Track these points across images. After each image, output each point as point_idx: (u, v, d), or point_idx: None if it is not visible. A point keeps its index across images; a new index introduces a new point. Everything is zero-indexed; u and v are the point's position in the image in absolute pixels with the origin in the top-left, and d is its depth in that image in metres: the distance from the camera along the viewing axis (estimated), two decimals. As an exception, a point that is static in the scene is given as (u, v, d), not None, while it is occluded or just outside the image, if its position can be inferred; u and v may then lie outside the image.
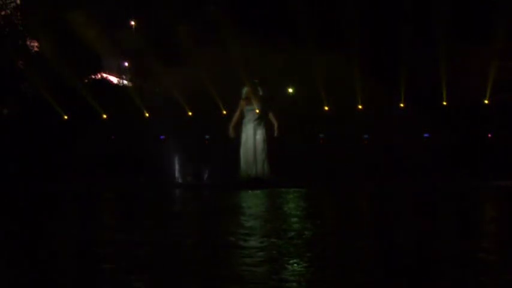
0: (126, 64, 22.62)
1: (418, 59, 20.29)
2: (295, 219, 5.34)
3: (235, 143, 10.94)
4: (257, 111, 10.87)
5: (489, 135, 16.53)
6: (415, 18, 19.22)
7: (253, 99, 10.82)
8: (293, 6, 17.12)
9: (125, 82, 21.65)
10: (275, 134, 10.82)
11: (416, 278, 2.87)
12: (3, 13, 17.98)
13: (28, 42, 18.19)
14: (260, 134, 10.66)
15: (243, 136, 10.75)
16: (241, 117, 10.85)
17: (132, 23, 22.71)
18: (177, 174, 11.36)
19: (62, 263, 3.48)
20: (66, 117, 16.36)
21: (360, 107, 17.02)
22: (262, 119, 10.78)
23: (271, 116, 10.73)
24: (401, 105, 17.35)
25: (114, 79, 21.54)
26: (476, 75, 19.67)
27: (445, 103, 17.98)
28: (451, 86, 19.72)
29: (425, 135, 16.81)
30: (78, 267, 3.35)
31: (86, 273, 3.16)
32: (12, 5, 18.22)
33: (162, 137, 18.13)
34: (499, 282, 2.82)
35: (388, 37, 18.77)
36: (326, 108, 17.02)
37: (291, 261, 3.26)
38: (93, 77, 19.71)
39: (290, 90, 20.12)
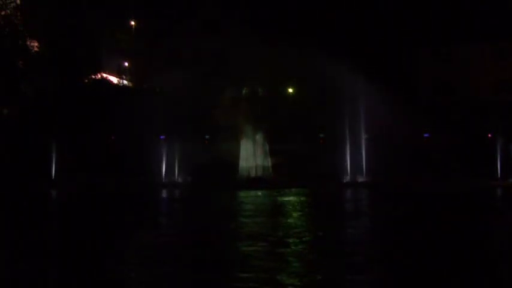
0: (126, 64, 22.62)
1: (418, 59, 20.31)
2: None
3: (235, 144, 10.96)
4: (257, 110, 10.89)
5: (489, 135, 16.52)
6: (416, 17, 19.25)
7: (253, 99, 10.85)
8: (293, 7, 17.14)
9: (125, 82, 21.66)
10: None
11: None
12: (3, 13, 18.04)
13: (28, 42, 18.25)
14: (260, 134, 10.68)
15: (243, 136, 10.78)
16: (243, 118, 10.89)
17: (132, 23, 22.71)
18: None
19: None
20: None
21: (360, 107, 17.02)
22: (262, 119, 10.81)
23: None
24: (402, 105, 17.36)
25: (114, 79, 21.53)
26: (477, 74, 19.69)
27: (445, 103, 17.96)
28: (451, 86, 19.73)
29: (425, 135, 16.80)
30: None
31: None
32: (12, 5, 18.27)
33: (162, 137, 18.13)
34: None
35: (388, 37, 18.77)
36: (326, 108, 17.02)
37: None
38: (93, 77, 19.75)
39: (290, 90, 20.13)
